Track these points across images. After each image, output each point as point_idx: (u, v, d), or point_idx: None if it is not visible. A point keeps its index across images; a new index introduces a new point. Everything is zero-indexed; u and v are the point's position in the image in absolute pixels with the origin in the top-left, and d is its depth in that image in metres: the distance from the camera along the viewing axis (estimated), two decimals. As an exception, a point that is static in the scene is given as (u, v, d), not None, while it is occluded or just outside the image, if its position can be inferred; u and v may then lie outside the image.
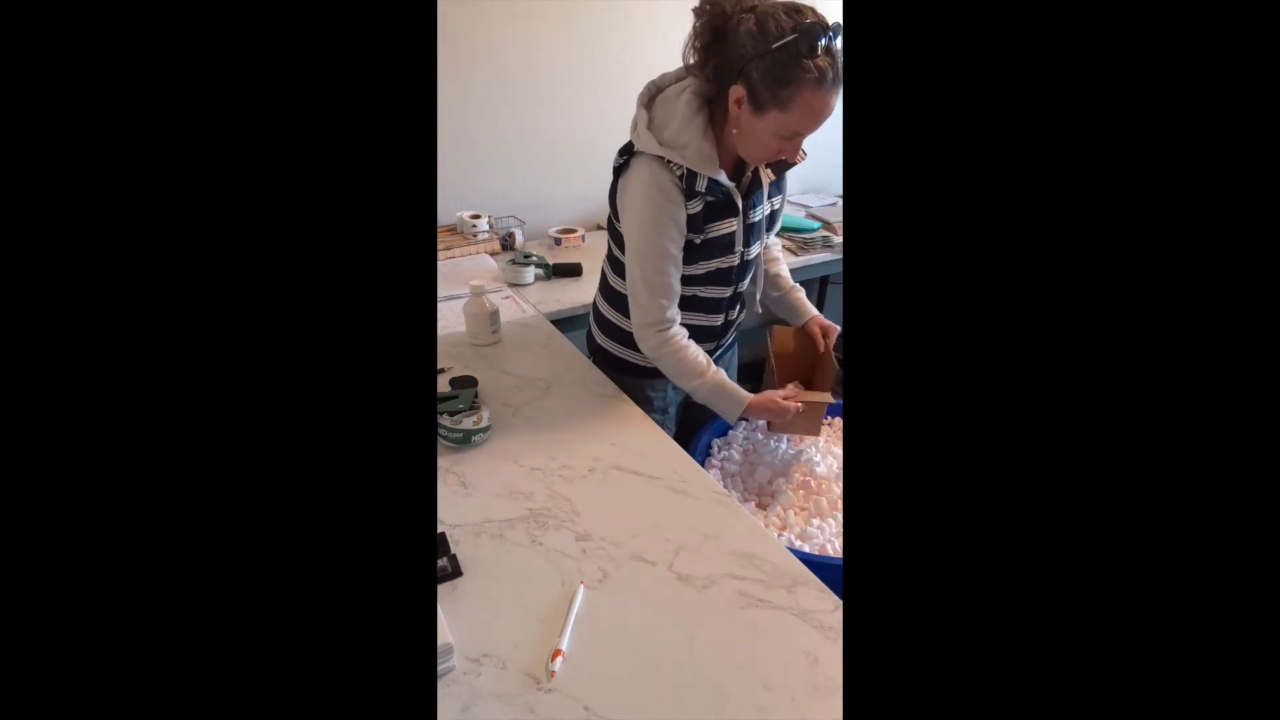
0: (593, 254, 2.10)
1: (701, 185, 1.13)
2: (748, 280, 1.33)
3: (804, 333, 1.49)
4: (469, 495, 1.03)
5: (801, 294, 1.51)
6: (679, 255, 1.18)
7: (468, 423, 1.13)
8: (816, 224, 2.31)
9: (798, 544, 1.13)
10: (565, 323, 1.74)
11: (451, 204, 2.10)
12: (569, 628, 0.80)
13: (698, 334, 1.29)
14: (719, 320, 1.33)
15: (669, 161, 1.11)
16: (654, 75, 1.22)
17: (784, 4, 1.00)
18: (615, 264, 1.30)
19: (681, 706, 0.72)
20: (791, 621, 0.82)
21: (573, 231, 2.19)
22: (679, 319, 1.24)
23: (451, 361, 1.40)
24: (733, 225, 1.20)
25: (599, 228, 2.34)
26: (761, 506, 1.24)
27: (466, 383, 1.29)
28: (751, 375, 2.73)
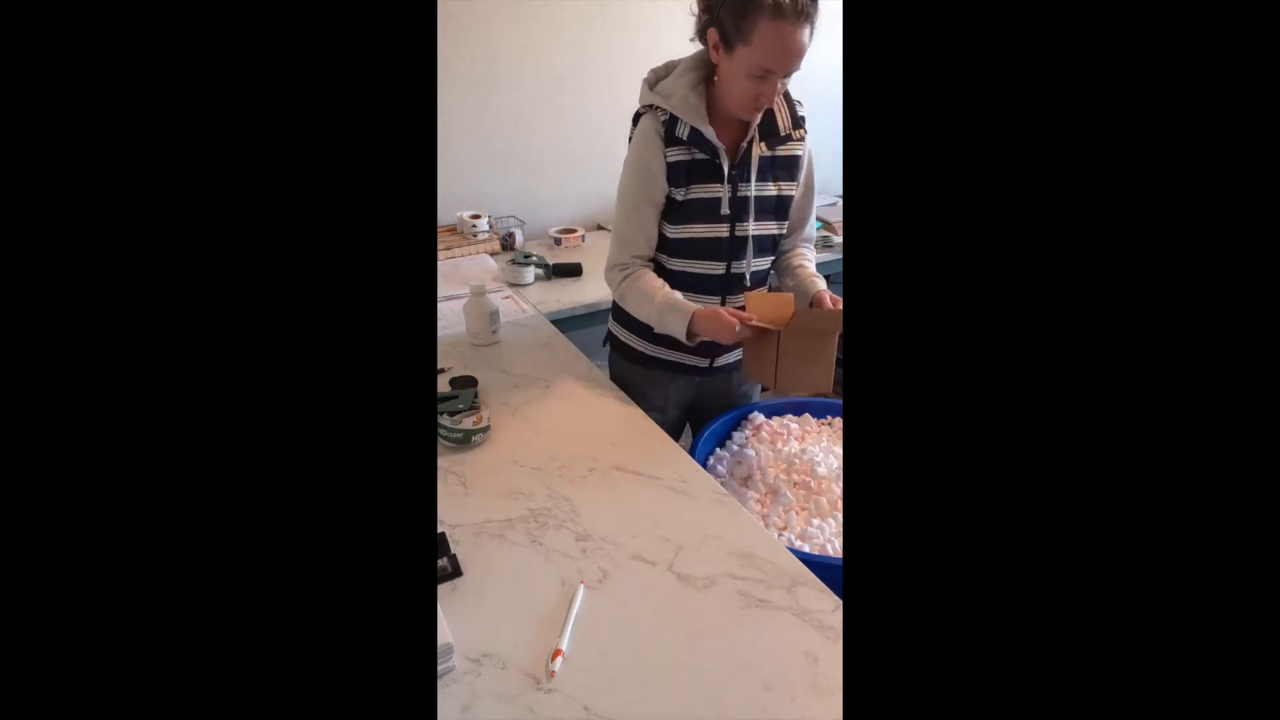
0: (593, 254, 2.10)
1: (683, 133, 1.16)
2: (746, 263, 1.28)
3: (783, 298, 1.32)
4: (469, 495, 1.03)
5: (817, 280, 1.36)
6: (655, 204, 1.22)
7: (468, 423, 1.13)
8: (817, 224, 2.30)
9: (798, 544, 1.13)
10: (565, 323, 1.74)
11: (451, 204, 2.11)
12: (569, 628, 0.80)
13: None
14: (716, 302, 1.30)
15: (656, 108, 1.18)
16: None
17: None
18: None
19: (681, 706, 0.72)
20: (791, 621, 0.82)
21: (573, 231, 2.19)
22: (644, 265, 1.28)
23: (451, 361, 1.40)
24: (717, 191, 1.20)
25: (599, 228, 2.34)
26: (761, 505, 1.24)
27: (466, 383, 1.29)
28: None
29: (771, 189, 1.25)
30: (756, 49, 1.05)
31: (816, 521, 1.17)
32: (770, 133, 1.21)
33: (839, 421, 1.49)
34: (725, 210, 1.21)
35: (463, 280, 1.81)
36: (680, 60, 1.21)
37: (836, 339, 1.21)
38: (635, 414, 1.24)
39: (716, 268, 1.28)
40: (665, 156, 1.18)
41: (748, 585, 0.87)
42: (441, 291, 1.72)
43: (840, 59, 2.50)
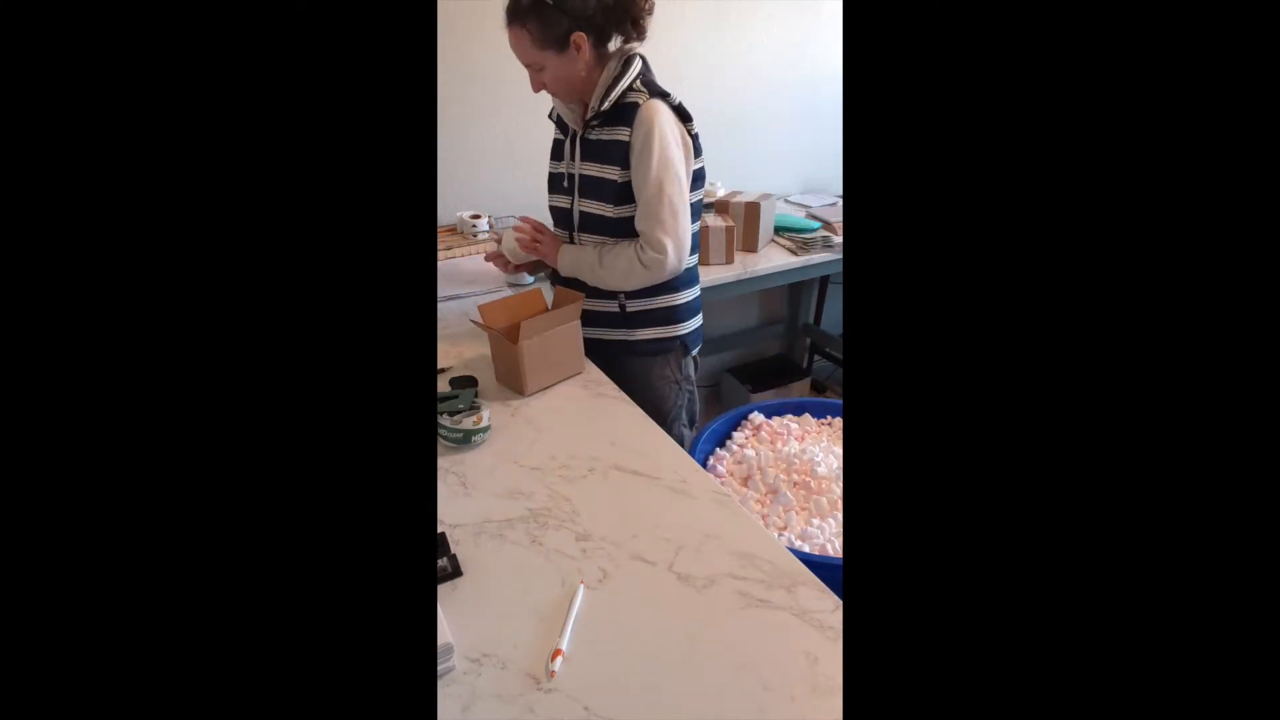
0: (593, 254, 2.09)
1: (553, 114, 1.42)
2: (579, 236, 1.39)
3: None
4: (469, 495, 1.03)
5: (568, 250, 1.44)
6: (548, 168, 1.45)
7: (468, 423, 1.13)
8: (816, 224, 2.31)
9: (798, 544, 1.13)
10: (565, 323, 1.73)
11: (451, 204, 2.11)
12: (569, 628, 0.80)
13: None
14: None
15: None
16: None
17: None
18: None
19: (681, 706, 0.72)
20: (791, 621, 0.82)
21: (573, 231, 2.18)
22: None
23: (451, 361, 1.40)
24: (561, 167, 1.40)
25: (599, 228, 2.33)
26: (761, 505, 1.24)
27: (466, 383, 1.29)
28: (750, 375, 2.74)
29: (593, 169, 1.33)
30: None
31: (816, 521, 1.17)
32: (592, 119, 1.31)
33: (839, 421, 1.49)
34: (565, 184, 1.39)
35: (463, 280, 1.81)
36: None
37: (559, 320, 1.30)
38: (635, 414, 1.24)
39: (564, 236, 1.44)
40: (554, 134, 1.43)
41: (748, 585, 0.87)
42: (441, 291, 1.72)
43: (840, 59, 2.50)
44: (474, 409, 1.18)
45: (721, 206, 2.13)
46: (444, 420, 1.13)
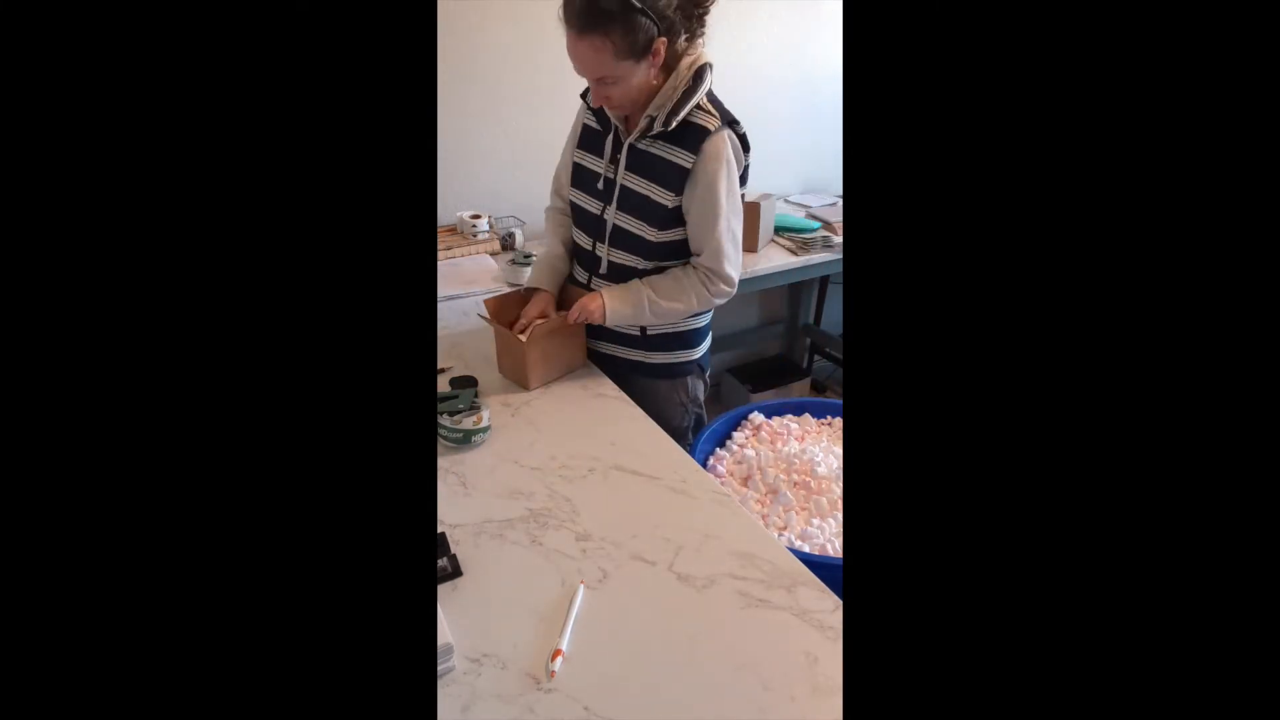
0: (593, 254, 2.10)
1: (592, 100, 1.22)
2: (605, 249, 1.29)
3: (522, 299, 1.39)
4: (469, 495, 1.03)
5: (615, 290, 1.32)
6: (571, 148, 1.34)
7: (468, 423, 1.13)
8: (816, 224, 2.31)
9: (798, 544, 1.13)
10: (565, 323, 1.73)
11: (451, 204, 2.10)
12: (569, 628, 0.80)
13: (573, 284, 1.38)
14: (584, 277, 1.36)
15: None
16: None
17: None
18: None
19: (681, 706, 0.72)
20: (791, 621, 0.82)
21: (573, 231, 2.18)
22: (564, 209, 1.38)
23: (451, 361, 1.40)
24: (598, 166, 1.27)
25: (599, 228, 2.33)
26: (761, 505, 1.24)
27: (466, 383, 1.29)
28: (750, 375, 2.74)
29: (640, 185, 1.22)
30: (567, 53, 1.11)
31: (816, 521, 1.17)
32: (649, 129, 1.18)
33: (839, 421, 1.49)
34: (601, 186, 1.26)
35: (463, 280, 1.81)
36: None
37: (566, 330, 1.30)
38: (635, 414, 1.24)
39: (586, 242, 1.32)
40: (583, 117, 1.31)
41: (748, 585, 0.87)
42: (441, 291, 1.72)
43: (840, 59, 2.50)
44: (474, 409, 1.18)
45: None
46: (444, 420, 1.13)
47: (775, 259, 2.14)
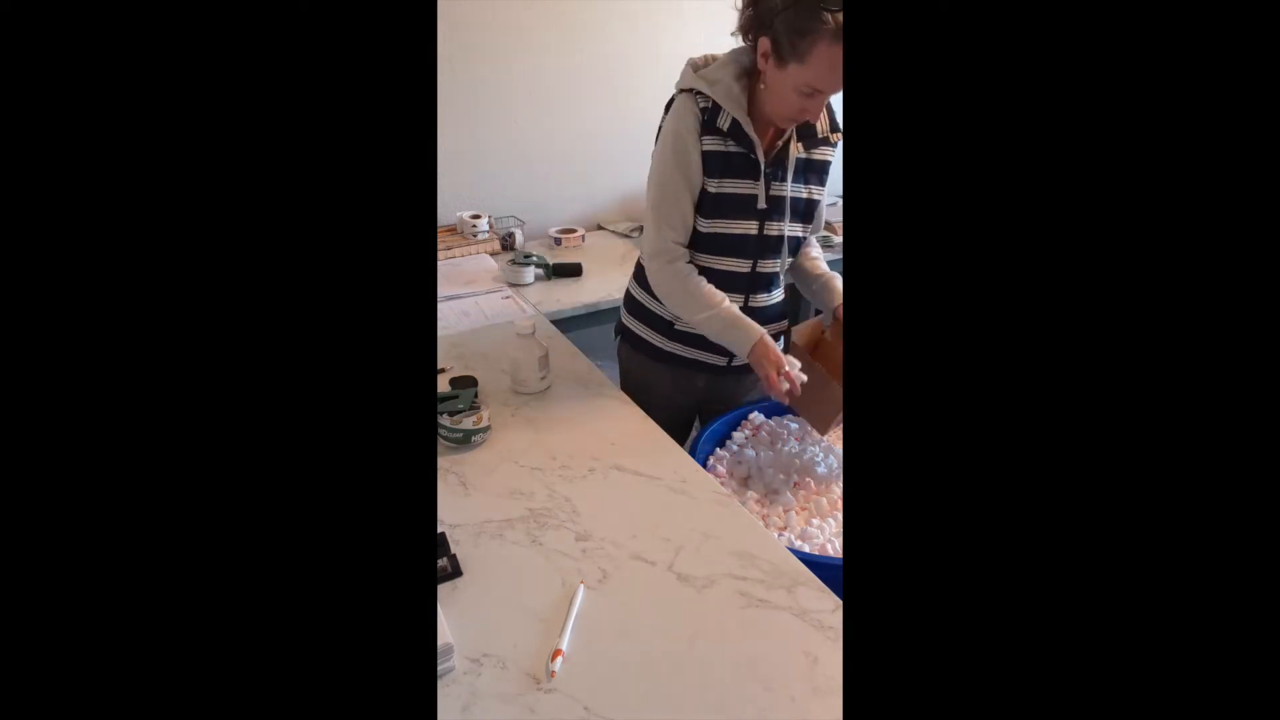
0: (593, 254, 2.10)
1: (724, 123, 1.14)
2: (777, 265, 1.29)
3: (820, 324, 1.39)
4: (469, 495, 1.03)
5: (832, 279, 1.38)
6: (692, 189, 1.19)
7: (468, 423, 1.13)
8: (816, 224, 2.30)
9: (798, 544, 1.13)
10: (565, 323, 1.74)
11: (451, 204, 2.11)
12: (569, 628, 0.80)
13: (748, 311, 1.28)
14: (740, 302, 1.28)
15: (698, 93, 1.15)
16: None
17: None
18: None
19: (681, 706, 0.72)
20: (791, 621, 0.82)
21: (573, 231, 2.19)
22: (689, 257, 1.24)
23: (451, 361, 1.40)
24: (752, 188, 1.19)
25: (599, 228, 2.34)
26: (761, 505, 1.24)
27: (466, 383, 1.29)
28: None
29: (804, 191, 1.25)
30: (810, 69, 1.03)
31: (816, 521, 1.17)
32: (807, 134, 1.21)
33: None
34: (762, 205, 1.21)
35: (463, 280, 1.81)
36: (719, 54, 1.19)
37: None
38: (635, 414, 1.24)
39: (743, 265, 1.26)
40: (701, 144, 1.16)
41: (748, 585, 0.87)
42: (441, 291, 1.72)
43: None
44: (474, 409, 1.18)
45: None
46: (444, 420, 1.13)
47: (775, 259, 2.14)
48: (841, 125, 1.25)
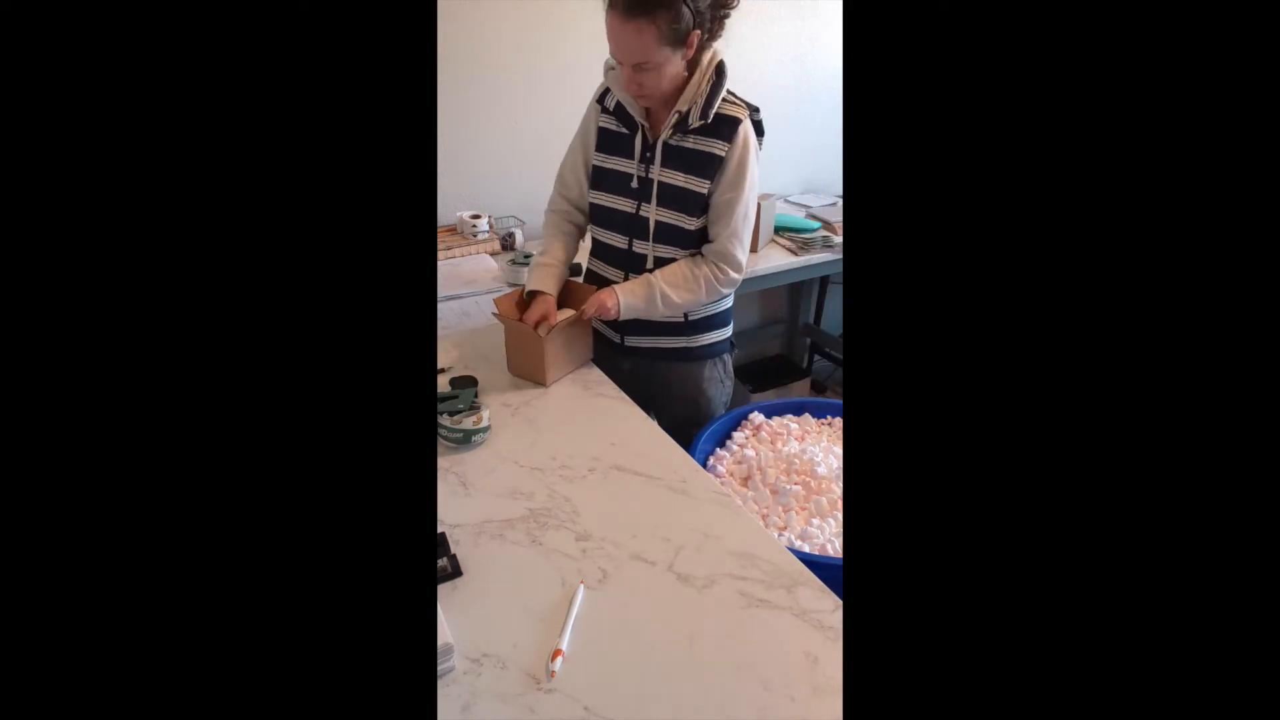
0: (593, 254, 2.09)
1: (610, 103, 1.29)
2: (647, 248, 1.32)
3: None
4: (469, 495, 1.03)
5: (622, 287, 1.34)
6: (587, 158, 1.35)
7: (468, 423, 1.13)
8: (816, 224, 2.31)
9: (798, 544, 1.13)
10: (565, 323, 1.73)
11: (451, 204, 2.10)
12: (569, 628, 0.80)
13: (600, 283, 1.37)
14: (620, 276, 1.37)
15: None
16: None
17: None
18: None
19: (681, 706, 0.72)
20: (791, 621, 0.82)
21: (573, 231, 2.18)
22: (569, 215, 1.40)
23: (451, 361, 1.40)
24: (629, 166, 1.29)
25: (599, 228, 2.33)
26: (761, 505, 1.24)
27: (466, 383, 1.29)
28: (753, 375, 2.74)
29: (679, 179, 1.26)
30: (609, 41, 1.14)
31: (816, 521, 1.17)
32: (680, 123, 1.23)
33: (839, 421, 1.49)
34: (634, 185, 1.29)
35: (463, 280, 1.81)
36: None
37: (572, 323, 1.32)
38: (635, 414, 1.24)
39: (620, 241, 1.34)
40: (599, 121, 1.31)
41: (748, 585, 0.87)
42: (441, 291, 1.72)
43: (840, 59, 2.49)
44: (474, 409, 1.18)
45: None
46: (444, 420, 1.13)
47: (775, 259, 2.14)
48: (733, 126, 1.22)
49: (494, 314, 1.34)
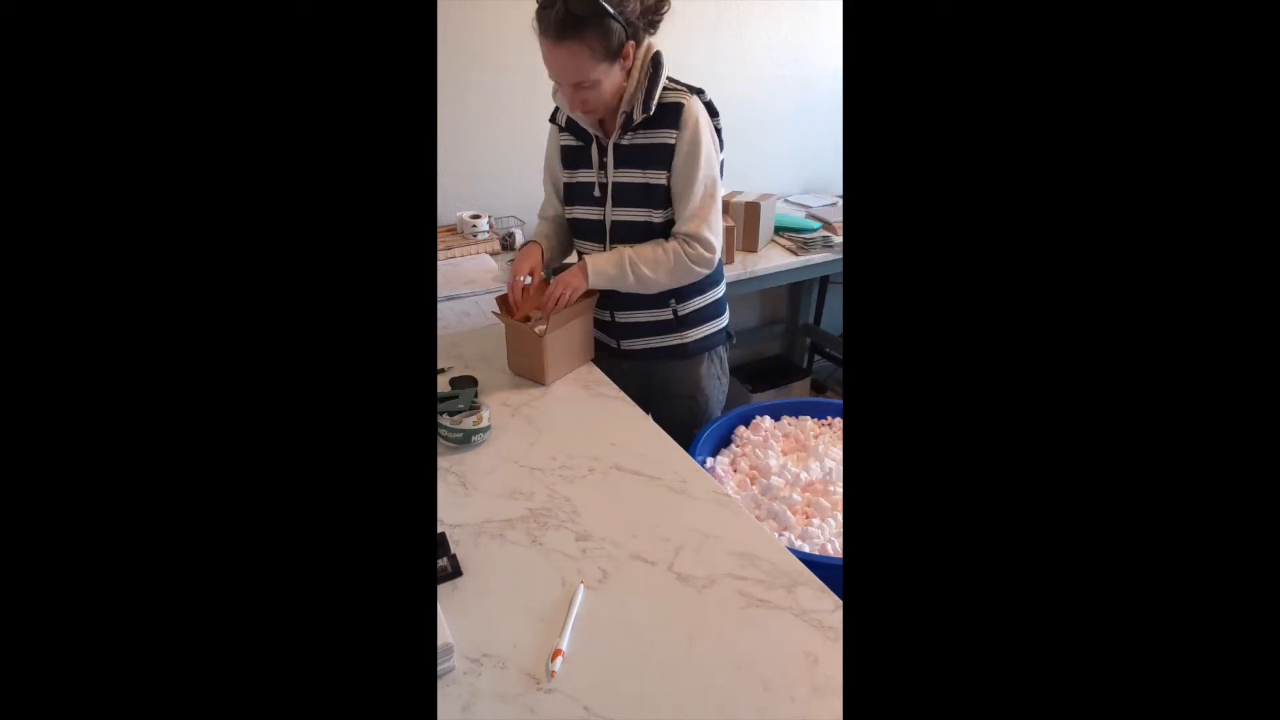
0: (593, 254, 2.09)
1: (562, 120, 1.33)
2: (608, 246, 1.34)
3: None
4: (469, 495, 1.03)
5: (588, 260, 1.33)
6: (555, 176, 1.39)
7: (468, 423, 1.13)
8: (816, 224, 2.31)
9: (798, 544, 1.13)
10: (565, 323, 1.73)
11: (451, 204, 2.10)
12: (569, 628, 0.80)
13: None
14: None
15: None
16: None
17: None
18: None
19: (681, 706, 0.72)
20: (791, 621, 0.82)
21: (573, 231, 2.18)
22: (555, 219, 1.43)
23: (451, 361, 1.40)
24: (591, 175, 1.32)
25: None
26: (760, 505, 1.24)
27: (466, 383, 1.29)
28: (753, 375, 2.74)
29: (637, 176, 1.28)
30: (544, 62, 1.16)
31: (816, 521, 1.17)
32: (628, 123, 1.24)
33: (839, 422, 1.49)
34: (597, 193, 1.31)
35: (463, 280, 1.81)
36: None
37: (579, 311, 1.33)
38: (635, 414, 1.24)
39: (597, 249, 1.37)
40: (559, 140, 1.36)
41: (748, 585, 0.87)
42: (441, 291, 1.72)
43: (839, 59, 2.50)
44: (474, 409, 1.18)
45: (722, 206, 2.13)
46: (444, 420, 1.13)
47: (775, 259, 2.14)
48: (675, 111, 1.23)
49: (494, 312, 1.35)
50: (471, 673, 0.75)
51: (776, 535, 1.13)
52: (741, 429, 1.44)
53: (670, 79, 1.25)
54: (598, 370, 1.38)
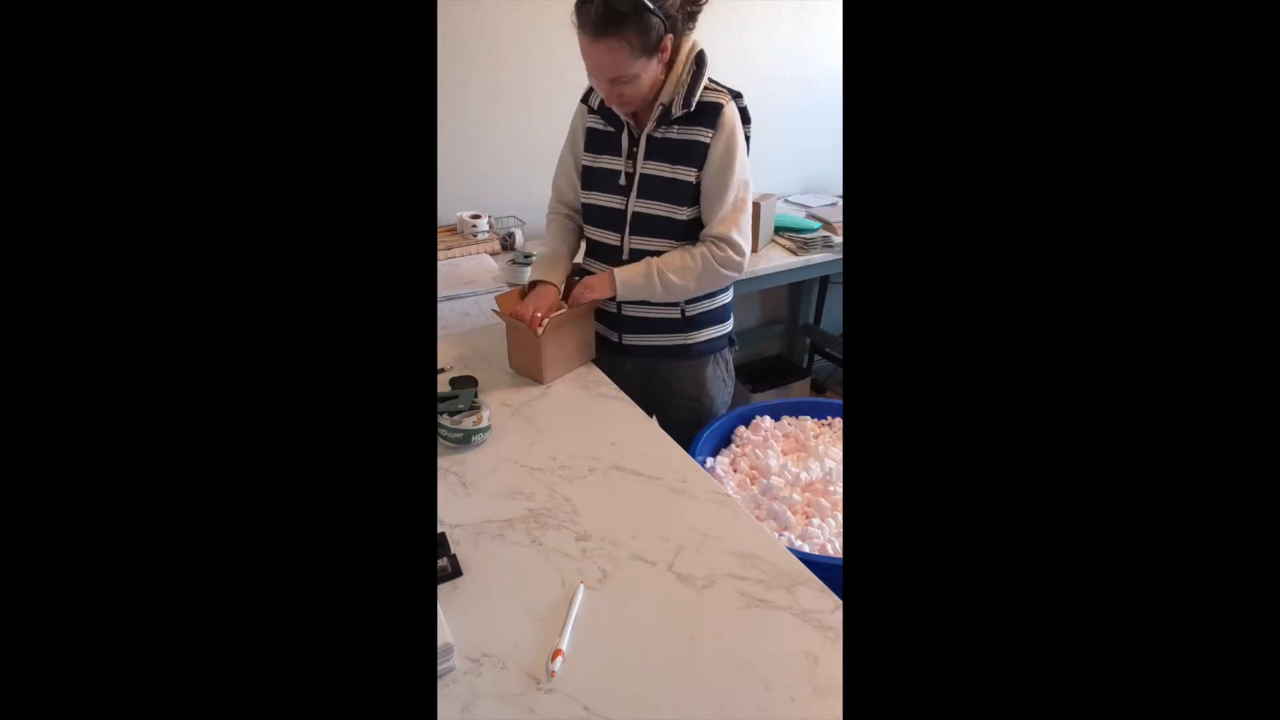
0: (593, 254, 2.09)
1: (595, 103, 1.31)
2: (645, 243, 1.32)
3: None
4: (469, 495, 1.03)
5: (613, 272, 1.33)
6: (576, 157, 1.37)
7: (468, 423, 1.13)
8: (816, 224, 2.31)
9: (798, 544, 1.13)
10: (565, 323, 1.73)
11: (451, 204, 2.10)
12: (569, 628, 0.80)
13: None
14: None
15: None
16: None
17: None
18: None
19: (681, 706, 0.72)
20: (791, 621, 0.82)
21: (573, 231, 2.18)
22: (571, 217, 1.42)
23: (451, 361, 1.40)
24: (617, 164, 1.30)
25: (599, 228, 2.33)
26: (760, 505, 1.24)
27: (466, 383, 1.29)
28: (753, 375, 2.74)
29: (664, 170, 1.27)
30: (582, 57, 1.15)
31: (816, 521, 1.17)
32: (664, 115, 1.24)
33: (839, 422, 1.49)
34: (622, 181, 1.30)
35: (463, 280, 1.81)
36: None
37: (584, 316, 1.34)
38: (635, 414, 1.24)
39: (613, 238, 1.35)
40: (586, 121, 1.34)
41: (748, 585, 0.87)
42: (441, 291, 1.72)
43: (839, 58, 2.50)
44: (474, 409, 1.18)
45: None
46: (444, 420, 1.13)
47: (775, 259, 2.14)
48: (714, 111, 1.22)
49: (494, 310, 1.35)
50: (471, 673, 0.75)
51: (776, 535, 1.13)
52: (741, 429, 1.44)
53: (711, 80, 1.25)
54: (598, 370, 1.38)
